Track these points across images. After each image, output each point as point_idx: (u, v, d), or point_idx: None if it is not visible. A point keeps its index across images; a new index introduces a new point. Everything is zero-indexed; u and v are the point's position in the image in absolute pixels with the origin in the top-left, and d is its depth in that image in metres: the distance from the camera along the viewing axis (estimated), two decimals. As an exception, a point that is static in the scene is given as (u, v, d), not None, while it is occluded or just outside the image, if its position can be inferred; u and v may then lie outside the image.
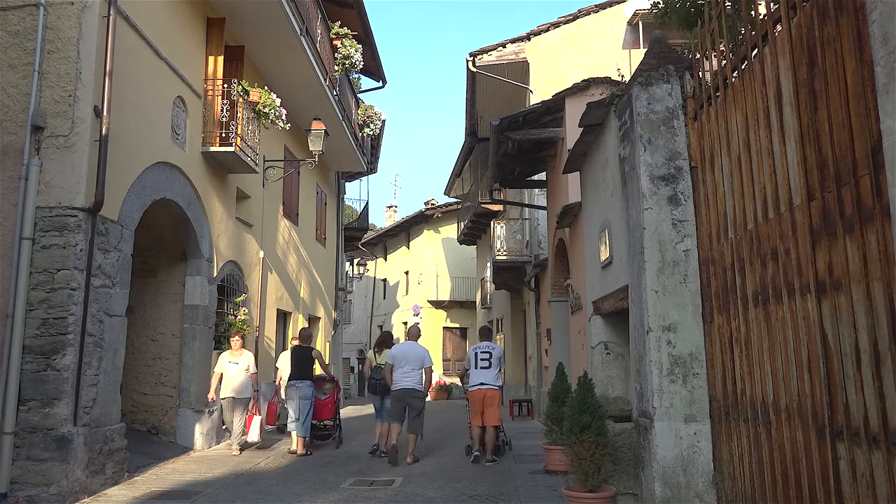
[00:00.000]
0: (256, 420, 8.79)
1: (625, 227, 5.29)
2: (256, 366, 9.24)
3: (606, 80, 9.28)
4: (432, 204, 26.62)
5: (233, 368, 8.53)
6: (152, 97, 7.42)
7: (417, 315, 25.52)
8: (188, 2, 8.37)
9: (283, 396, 10.13)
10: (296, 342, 9.49)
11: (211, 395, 8.44)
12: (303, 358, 8.88)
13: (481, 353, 8.11)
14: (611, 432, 5.04)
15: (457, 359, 25.62)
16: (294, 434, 8.62)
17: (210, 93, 8.85)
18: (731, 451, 4.04)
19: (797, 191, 3.18)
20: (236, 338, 8.80)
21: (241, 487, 6.52)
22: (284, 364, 10.01)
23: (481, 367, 8.01)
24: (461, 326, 26.27)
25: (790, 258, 3.25)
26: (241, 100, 9.04)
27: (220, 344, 9.32)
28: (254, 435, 8.74)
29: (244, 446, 8.73)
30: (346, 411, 14.81)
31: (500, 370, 8.19)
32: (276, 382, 10.46)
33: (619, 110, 5.46)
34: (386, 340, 9.06)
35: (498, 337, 19.63)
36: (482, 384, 7.92)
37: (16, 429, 5.59)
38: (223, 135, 8.86)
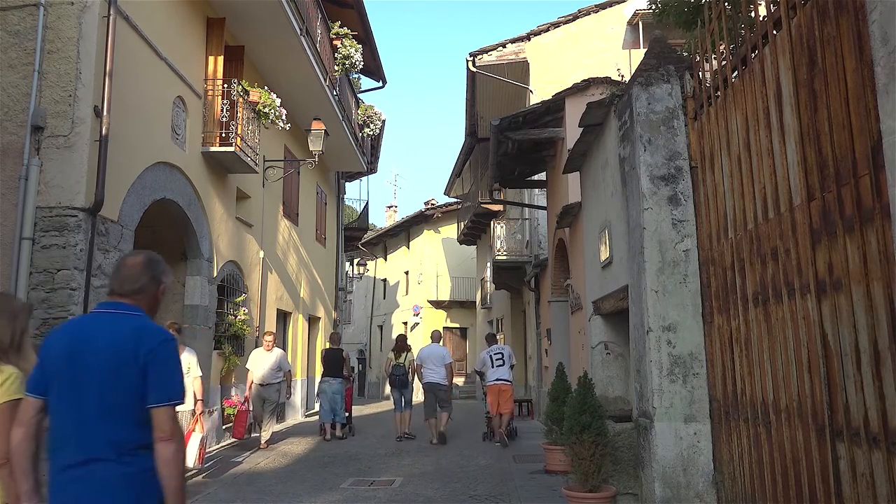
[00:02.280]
0: (195, 439, 6.69)
1: (625, 227, 5.29)
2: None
3: (606, 80, 9.28)
4: (432, 204, 26.59)
5: None
6: (152, 97, 7.42)
7: (417, 315, 25.52)
8: (188, 2, 8.37)
9: (251, 402, 9.13)
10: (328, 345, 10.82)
11: None
12: (335, 358, 10.23)
13: (495, 354, 9.78)
14: (611, 432, 5.04)
15: (457, 358, 25.61)
16: (334, 424, 10.01)
17: (210, 93, 8.85)
18: (731, 451, 4.04)
19: (797, 191, 3.18)
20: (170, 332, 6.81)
21: (241, 487, 6.52)
22: (255, 365, 9.23)
23: (497, 366, 9.63)
24: (461, 326, 26.26)
25: (790, 258, 3.25)
26: (241, 100, 9.04)
27: (221, 344, 9.31)
28: (189, 458, 6.59)
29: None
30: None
31: (511, 366, 9.80)
32: (248, 387, 9.21)
33: (619, 110, 5.46)
34: (402, 345, 10.31)
35: (498, 337, 19.64)
36: (499, 379, 9.57)
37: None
38: (223, 135, 8.86)
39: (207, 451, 8.55)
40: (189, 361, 6.75)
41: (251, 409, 9.13)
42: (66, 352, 2.11)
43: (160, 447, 2.04)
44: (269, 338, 9.46)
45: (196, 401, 6.79)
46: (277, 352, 9.47)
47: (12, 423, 2.13)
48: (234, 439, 9.19)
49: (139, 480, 2.04)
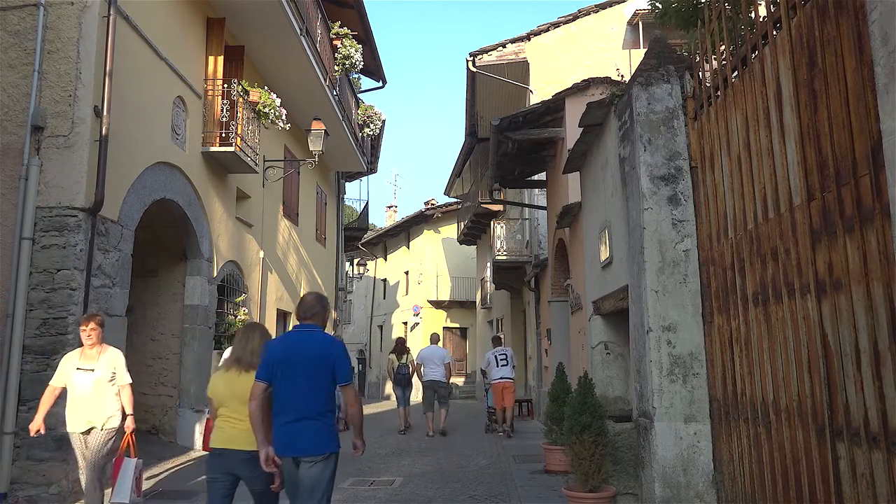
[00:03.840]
0: (129, 466, 5.11)
1: (625, 227, 5.29)
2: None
3: (606, 80, 9.28)
4: (432, 204, 26.58)
5: (84, 380, 4.87)
6: (152, 97, 7.42)
7: (417, 315, 25.51)
8: (188, 2, 8.37)
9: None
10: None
11: (36, 425, 4.86)
12: None
13: (499, 355, 10.80)
14: (611, 432, 5.04)
15: (457, 358, 25.60)
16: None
17: (210, 93, 8.85)
18: (731, 451, 4.04)
19: (797, 191, 3.18)
20: (90, 325, 4.92)
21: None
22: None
23: (501, 366, 10.66)
24: (461, 326, 26.25)
25: (790, 258, 3.25)
26: (241, 100, 9.03)
27: (220, 344, 9.30)
28: (122, 494, 5.06)
29: None
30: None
31: (513, 366, 10.88)
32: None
33: (619, 110, 5.46)
34: (403, 347, 11.40)
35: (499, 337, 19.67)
36: (503, 378, 10.57)
37: (16, 429, 5.59)
38: (223, 135, 8.86)
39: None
40: (114, 364, 5.04)
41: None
42: (284, 354, 3.47)
43: (350, 408, 3.59)
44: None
45: (124, 416, 5.03)
46: None
47: (261, 400, 3.46)
48: (204, 453, 7.78)
49: (328, 430, 3.47)
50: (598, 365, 6.80)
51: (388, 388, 24.25)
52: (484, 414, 12.16)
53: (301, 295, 14.57)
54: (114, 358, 5.09)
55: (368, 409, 16.83)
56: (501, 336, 12.56)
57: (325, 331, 3.69)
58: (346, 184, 18.88)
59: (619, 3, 13.48)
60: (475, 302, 24.20)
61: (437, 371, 10.67)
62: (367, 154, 16.91)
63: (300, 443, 3.42)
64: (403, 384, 11.12)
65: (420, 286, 26.07)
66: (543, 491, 6.18)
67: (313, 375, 3.44)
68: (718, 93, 4.19)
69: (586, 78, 9.62)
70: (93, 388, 4.91)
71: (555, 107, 9.51)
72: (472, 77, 13.82)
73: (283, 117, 10.07)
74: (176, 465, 7.51)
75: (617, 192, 5.68)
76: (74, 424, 4.93)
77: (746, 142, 3.74)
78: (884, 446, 2.54)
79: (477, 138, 15.94)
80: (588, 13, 13.53)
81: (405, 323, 26.51)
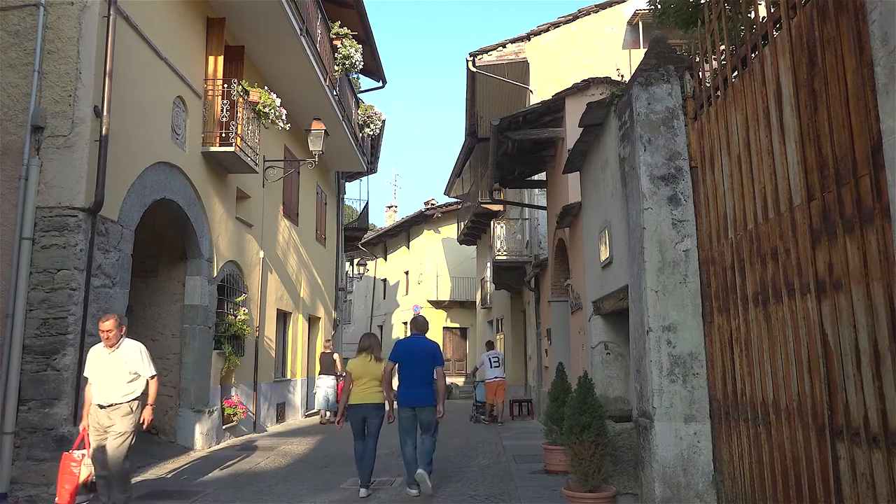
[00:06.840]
0: None
1: (625, 227, 5.29)
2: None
3: (606, 80, 9.28)
4: (432, 204, 26.58)
5: None
6: (152, 97, 7.42)
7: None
8: (188, 2, 8.37)
9: (92, 432, 5.00)
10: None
11: None
12: (327, 361, 13.18)
13: (493, 357, 12.99)
14: (611, 432, 5.04)
15: (457, 358, 25.60)
16: (328, 412, 12.71)
17: (210, 93, 8.85)
18: (731, 451, 4.04)
19: (797, 191, 3.18)
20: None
21: (241, 487, 6.52)
22: (95, 373, 5.09)
23: (494, 366, 12.82)
24: (461, 326, 26.24)
25: (790, 258, 3.25)
26: (241, 100, 9.03)
27: (221, 344, 9.30)
28: None
29: None
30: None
31: (504, 367, 13.19)
32: (84, 412, 5.16)
33: (619, 110, 5.46)
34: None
35: (498, 337, 19.69)
36: (497, 377, 12.76)
37: (16, 429, 5.59)
38: (223, 135, 8.86)
39: (210, 449, 8.60)
40: None
41: (90, 450, 5.04)
42: (406, 348, 6.32)
43: (439, 379, 6.24)
44: (108, 325, 5.03)
45: None
46: (129, 348, 5.17)
47: (391, 374, 6.33)
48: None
49: (432, 392, 6.17)
50: (598, 365, 6.80)
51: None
52: (481, 411, 13.51)
53: (301, 295, 14.88)
54: None
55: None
56: (497, 334, 13.00)
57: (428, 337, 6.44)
58: (346, 184, 18.89)
59: (619, 3, 13.49)
60: (475, 302, 24.19)
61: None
62: (367, 154, 16.91)
63: (419, 399, 6.09)
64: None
65: (420, 286, 26.06)
66: (543, 491, 6.18)
67: (423, 362, 6.16)
68: (718, 93, 4.19)
69: (586, 78, 9.63)
70: None
71: (555, 107, 9.52)
72: (472, 77, 13.82)
73: (283, 117, 10.07)
74: (176, 466, 7.50)
75: (617, 192, 5.68)
76: None
77: (746, 142, 3.74)
78: (884, 446, 2.54)
79: (477, 138, 15.94)
80: (588, 13, 13.53)
81: (405, 323, 26.49)
